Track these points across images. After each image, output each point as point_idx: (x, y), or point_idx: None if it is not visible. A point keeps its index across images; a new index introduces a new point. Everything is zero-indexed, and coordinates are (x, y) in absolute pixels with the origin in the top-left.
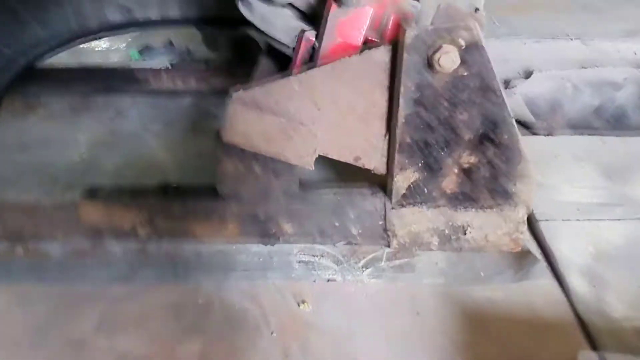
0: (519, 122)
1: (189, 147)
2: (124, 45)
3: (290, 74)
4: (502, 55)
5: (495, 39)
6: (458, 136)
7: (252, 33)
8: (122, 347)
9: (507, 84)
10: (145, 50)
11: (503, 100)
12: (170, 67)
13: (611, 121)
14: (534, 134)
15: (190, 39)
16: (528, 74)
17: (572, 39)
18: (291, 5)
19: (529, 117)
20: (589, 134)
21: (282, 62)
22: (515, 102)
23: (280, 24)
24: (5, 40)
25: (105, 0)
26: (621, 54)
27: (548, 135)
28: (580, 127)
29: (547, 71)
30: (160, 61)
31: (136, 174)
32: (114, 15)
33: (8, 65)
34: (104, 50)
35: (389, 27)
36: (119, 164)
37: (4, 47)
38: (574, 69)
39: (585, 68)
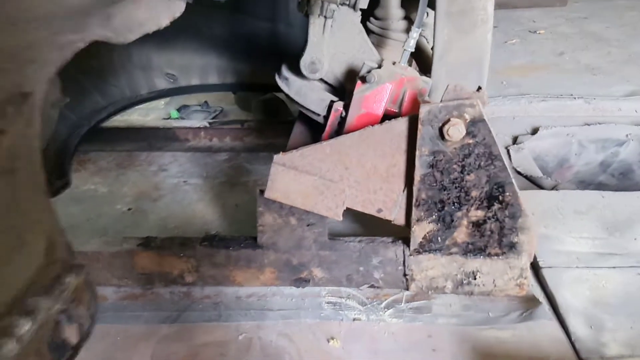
0: (526, 177)
1: (226, 199)
2: (162, 103)
3: (321, 141)
4: (511, 113)
5: (503, 98)
6: (467, 194)
7: (281, 97)
8: None
9: (515, 140)
10: (182, 109)
11: (504, 164)
12: (207, 126)
13: (616, 175)
14: (541, 187)
15: (224, 100)
16: (535, 131)
17: (575, 98)
18: (322, 80)
19: (536, 172)
20: (592, 189)
21: (313, 127)
22: (523, 158)
23: (312, 96)
24: (71, 107)
25: (154, 70)
26: (622, 112)
27: (553, 189)
28: (587, 181)
29: (552, 128)
30: (196, 119)
31: (179, 223)
32: (161, 83)
33: (75, 130)
34: (144, 108)
35: (406, 100)
36: (163, 214)
37: (71, 113)
38: (578, 126)
39: (588, 125)
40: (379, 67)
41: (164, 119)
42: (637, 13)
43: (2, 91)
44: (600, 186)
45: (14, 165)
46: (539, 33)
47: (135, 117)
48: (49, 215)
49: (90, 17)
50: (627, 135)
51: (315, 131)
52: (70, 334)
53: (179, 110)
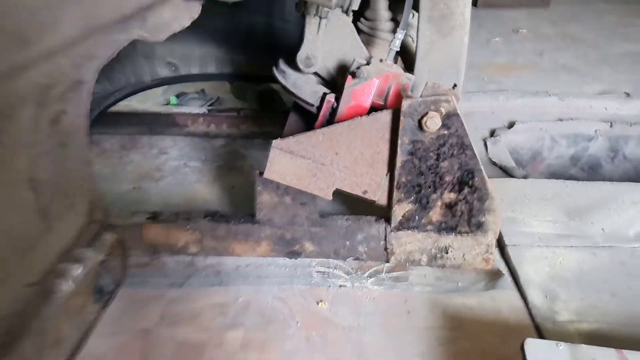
0: (501, 167)
1: (223, 181)
2: (160, 90)
3: (315, 129)
4: (489, 108)
5: (483, 94)
6: (441, 179)
7: (277, 88)
8: (180, 336)
9: (492, 133)
10: (180, 96)
11: (474, 153)
12: (205, 113)
13: (585, 169)
14: (513, 177)
15: (220, 89)
16: (511, 125)
17: (550, 96)
18: (316, 73)
19: (510, 163)
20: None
21: (306, 116)
22: (499, 149)
23: (307, 88)
24: None
25: (157, 59)
26: (593, 109)
27: (523, 178)
28: (559, 174)
29: (527, 123)
30: (194, 106)
31: (180, 201)
32: (163, 71)
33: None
34: (143, 94)
35: (391, 94)
36: (165, 193)
37: None
38: (552, 121)
39: (561, 121)
40: (368, 63)
41: (164, 104)
42: (615, 16)
43: (68, 79)
44: (571, 179)
45: (68, 140)
46: (522, 32)
47: (135, 103)
48: (91, 183)
49: (132, 20)
50: (595, 131)
51: (308, 120)
52: (107, 281)
53: (177, 96)
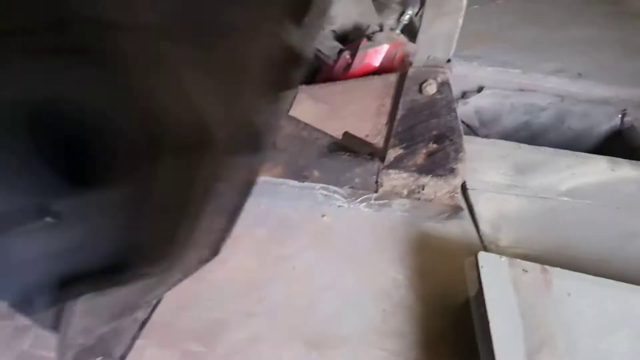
0: (467, 125)
1: None
2: None
3: (328, 80)
4: (464, 73)
5: (460, 59)
6: (429, 132)
7: None
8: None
9: (463, 94)
10: None
11: (457, 115)
12: None
13: (535, 134)
14: (477, 135)
15: None
16: (480, 89)
17: (515, 68)
18: (333, 31)
19: (475, 123)
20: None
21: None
22: (467, 110)
23: (327, 43)
24: None
25: None
26: (550, 84)
27: (485, 137)
28: (513, 136)
29: (493, 89)
30: None
31: None
32: None
33: None
34: None
35: (397, 59)
36: None
37: None
38: (513, 90)
39: (521, 91)
40: (381, 30)
41: None
42: None
43: None
44: (523, 142)
45: None
46: (498, 3)
47: None
48: None
49: None
50: (547, 104)
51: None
52: None
53: None
